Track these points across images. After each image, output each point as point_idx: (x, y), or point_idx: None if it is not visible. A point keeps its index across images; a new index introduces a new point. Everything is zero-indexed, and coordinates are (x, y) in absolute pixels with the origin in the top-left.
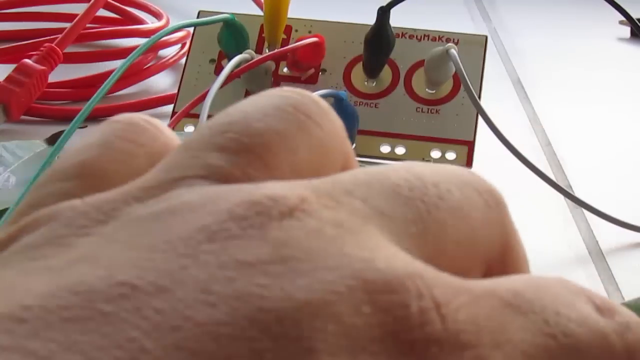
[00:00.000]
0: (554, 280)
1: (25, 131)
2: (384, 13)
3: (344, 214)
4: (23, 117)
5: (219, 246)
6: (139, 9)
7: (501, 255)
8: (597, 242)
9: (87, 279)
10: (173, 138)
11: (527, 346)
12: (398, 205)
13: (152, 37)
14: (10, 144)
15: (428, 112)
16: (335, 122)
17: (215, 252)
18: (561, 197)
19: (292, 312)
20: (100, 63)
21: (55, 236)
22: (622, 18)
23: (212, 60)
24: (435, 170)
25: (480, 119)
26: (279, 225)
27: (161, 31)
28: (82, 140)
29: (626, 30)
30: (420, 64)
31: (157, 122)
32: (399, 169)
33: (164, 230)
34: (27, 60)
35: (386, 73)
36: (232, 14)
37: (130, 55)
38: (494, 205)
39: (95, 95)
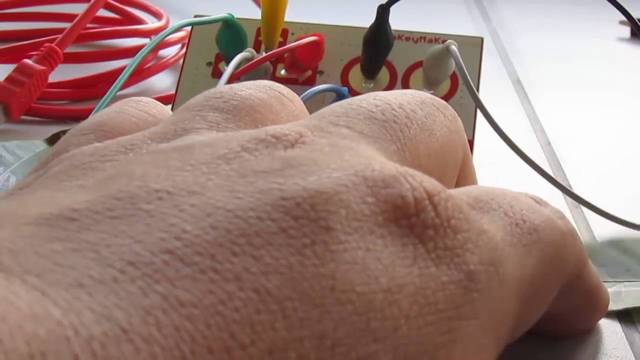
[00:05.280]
0: (497, 188)
1: (25, 131)
2: (383, 11)
3: (337, 138)
4: (23, 117)
5: (237, 165)
6: (139, 9)
7: (463, 162)
8: (596, 241)
9: (126, 188)
10: None
11: (501, 233)
12: (377, 128)
13: (159, 34)
14: (10, 144)
15: None
16: (300, 102)
17: (234, 169)
18: (561, 196)
19: (308, 199)
20: (100, 63)
21: (80, 162)
22: (622, 18)
23: (209, 64)
24: (397, 94)
25: (479, 118)
26: (284, 152)
27: (167, 29)
28: (100, 111)
29: (626, 30)
30: (417, 65)
31: (164, 106)
32: (366, 98)
33: (186, 157)
34: (27, 60)
35: (384, 74)
36: (230, 14)
37: (138, 54)
38: (452, 118)
39: (106, 95)
